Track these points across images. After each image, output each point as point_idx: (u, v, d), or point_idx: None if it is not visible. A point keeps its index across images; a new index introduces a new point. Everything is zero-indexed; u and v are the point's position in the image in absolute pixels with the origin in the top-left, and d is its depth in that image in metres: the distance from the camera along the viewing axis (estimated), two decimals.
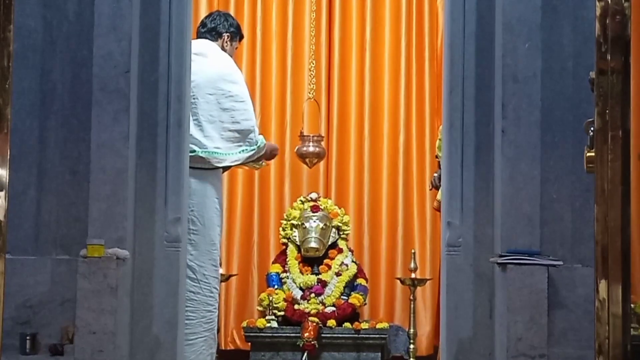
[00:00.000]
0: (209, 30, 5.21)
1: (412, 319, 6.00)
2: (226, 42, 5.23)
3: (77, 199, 4.28)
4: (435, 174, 6.16)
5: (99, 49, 4.23)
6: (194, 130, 4.87)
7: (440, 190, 5.90)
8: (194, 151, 4.86)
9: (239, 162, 5.06)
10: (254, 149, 5.04)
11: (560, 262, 4.17)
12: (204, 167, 4.94)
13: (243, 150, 5.03)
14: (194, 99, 4.87)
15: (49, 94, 4.36)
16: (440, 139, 5.78)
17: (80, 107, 4.31)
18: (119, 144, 4.19)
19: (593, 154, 2.05)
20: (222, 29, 5.22)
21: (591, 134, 2.09)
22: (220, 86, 5.03)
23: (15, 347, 4.16)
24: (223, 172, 5.17)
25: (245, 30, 6.87)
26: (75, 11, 4.36)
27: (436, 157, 6.21)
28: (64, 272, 4.27)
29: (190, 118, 4.74)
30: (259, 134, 5.18)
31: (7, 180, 1.89)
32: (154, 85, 4.37)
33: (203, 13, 6.37)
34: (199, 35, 5.18)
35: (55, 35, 4.37)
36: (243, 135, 5.03)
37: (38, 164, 4.34)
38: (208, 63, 5.04)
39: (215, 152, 4.96)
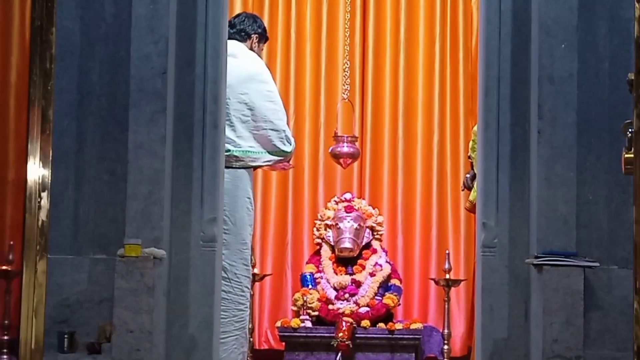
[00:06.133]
0: (238, 31, 5.24)
1: (446, 319, 5.99)
2: (254, 43, 5.26)
3: (115, 199, 4.32)
4: (468, 175, 6.14)
5: (136, 51, 4.26)
6: (226, 130, 4.90)
7: (472, 191, 5.89)
8: (229, 150, 4.91)
9: (271, 163, 5.10)
10: (287, 150, 5.05)
11: (597, 264, 4.15)
12: (237, 167, 4.98)
13: (274, 152, 5.07)
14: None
15: (86, 95, 4.40)
16: (473, 140, 5.76)
17: (118, 108, 4.34)
18: (156, 144, 4.22)
19: (631, 155, 2.04)
20: (250, 30, 5.26)
21: (629, 135, 2.08)
22: (252, 86, 5.07)
23: (53, 345, 4.20)
24: (254, 170, 5.21)
25: (279, 31, 6.91)
26: (113, 13, 4.40)
27: (469, 157, 6.20)
28: (102, 271, 4.31)
29: None
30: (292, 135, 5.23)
31: (50, 181, 1.91)
32: (190, 87, 4.40)
33: None
34: (228, 36, 5.22)
35: (92, 37, 4.41)
36: (276, 134, 5.08)
37: (76, 164, 4.38)
38: (238, 64, 5.07)
39: (249, 151, 5.02)
